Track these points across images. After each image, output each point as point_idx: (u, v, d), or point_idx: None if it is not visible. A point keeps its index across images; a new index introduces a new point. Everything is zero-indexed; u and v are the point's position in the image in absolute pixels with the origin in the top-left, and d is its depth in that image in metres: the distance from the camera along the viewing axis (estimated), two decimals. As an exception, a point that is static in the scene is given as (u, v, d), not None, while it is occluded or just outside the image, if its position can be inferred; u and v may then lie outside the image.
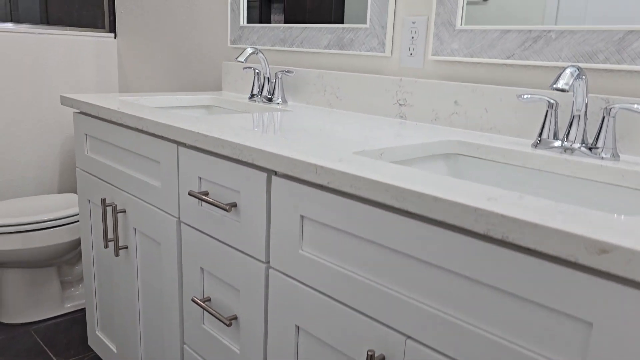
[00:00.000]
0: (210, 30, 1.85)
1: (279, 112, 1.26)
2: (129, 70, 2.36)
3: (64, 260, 1.93)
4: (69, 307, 1.99)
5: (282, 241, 0.81)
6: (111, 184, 1.28)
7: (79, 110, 1.37)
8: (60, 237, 1.84)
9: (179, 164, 1.02)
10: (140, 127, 1.09)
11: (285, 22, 1.55)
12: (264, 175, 0.82)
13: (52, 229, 1.81)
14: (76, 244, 1.90)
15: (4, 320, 1.89)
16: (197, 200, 0.98)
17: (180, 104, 1.54)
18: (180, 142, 0.99)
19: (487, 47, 1.08)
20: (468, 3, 1.11)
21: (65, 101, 1.40)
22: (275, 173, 0.82)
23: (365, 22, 1.33)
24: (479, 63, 1.12)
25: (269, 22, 1.60)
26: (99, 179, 1.33)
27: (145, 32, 2.20)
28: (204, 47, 1.89)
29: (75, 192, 2.42)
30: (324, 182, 0.70)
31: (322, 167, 0.70)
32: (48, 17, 2.99)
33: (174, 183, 1.04)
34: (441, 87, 1.17)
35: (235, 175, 0.88)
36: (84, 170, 1.41)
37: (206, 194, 0.96)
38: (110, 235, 1.32)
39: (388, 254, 0.66)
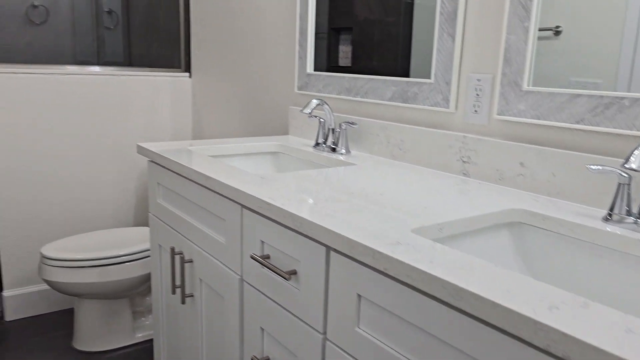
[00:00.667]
0: (278, 75, 1.91)
1: (342, 169, 1.28)
2: (202, 106, 2.47)
3: (137, 292, 2.03)
4: (139, 337, 2.09)
5: (339, 316, 0.82)
6: (180, 233, 1.35)
7: (152, 160, 1.46)
8: (134, 271, 1.94)
9: (242, 225, 1.06)
10: (207, 186, 1.14)
11: (351, 71, 1.57)
12: (323, 249, 0.84)
13: (127, 263, 1.92)
14: (148, 277, 2.00)
15: (80, 348, 2.01)
16: (259, 262, 1.01)
17: (248, 151, 1.59)
18: (245, 205, 1.03)
19: (555, 110, 1.05)
20: (539, 38, 1.08)
21: (141, 150, 1.49)
22: (334, 249, 0.83)
23: (429, 77, 1.32)
24: (546, 126, 1.09)
25: (337, 63, 1.63)
26: (170, 227, 1.40)
27: (217, 72, 2.30)
28: (272, 91, 1.95)
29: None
30: (381, 268, 0.70)
31: (379, 252, 0.70)
32: (131, 59, 3.20)
33: (238, 242, 1.08)
34: (506, 147, 1.14)
35: (295, 244, 0.90)
36: (156, 217, 1.49)
37: (268, 257, 0.99)
38: (178, 282, 1.38)
39: (443, 346, 0.66)
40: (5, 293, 2.21)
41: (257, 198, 0.97)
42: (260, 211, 0.96)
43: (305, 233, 0.85)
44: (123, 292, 1.97)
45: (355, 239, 0.75)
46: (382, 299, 0.73)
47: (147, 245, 1.99)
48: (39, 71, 2.16)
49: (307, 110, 1.43)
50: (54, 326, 2.20)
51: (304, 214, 0.86)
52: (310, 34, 1.71)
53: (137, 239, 2.06)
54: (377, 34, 1.47)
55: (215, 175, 1.13)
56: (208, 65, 2.37)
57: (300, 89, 1.77)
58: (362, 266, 0.76)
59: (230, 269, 1.13)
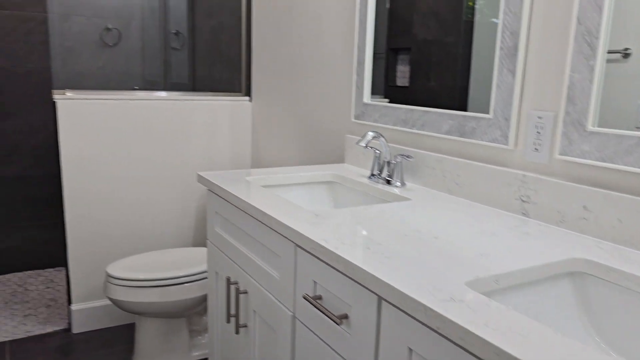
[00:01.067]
0: (335, 102, 1.93)
1: (396, 205, 1.27)
2: (261, 130, 2.53)
3: (194, 311, 2.09)
4: (196, 355, 2.15)
5: (390, 366, 0.81)
6: (236, 264, 1.38)
7: (211, 189, 1.50)
8: (193, 292, 2.00)
9: (296, 263, 1.07)
10: (263, 221, 1.17)
11: (409, 91, 1.57)
12: (375, 298, 0.84)
13: (186, 284, 1.98)
14: (205, 298, 2.05)
15: (140, 364, 2.09)
16: (311, 301, 1.02)
17: (304, 181, 1.61)
18: (298, 245, 1.04)
19: (622, 152, 1.00)
20: (607, 61, 1.03)
21: (200, 180, 1.54)
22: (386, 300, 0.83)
23: (488, 112, 1.30)
24: (612, 169, 1.04)
25: (394, 83, 1.63)
26: (226, 255, 1.44)
27: (276, 97, 2.35)
28: (328, 118, 1.97)
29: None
30: (433, 326, 0.69)
31: (431, 309, 0.70)
32: (195, 81, 3.32)
33: (291, 279, 1.10)
34: (568, 189, 1.10)
35: (348, 289, 0.91)
36: (214, 244, 1.53)
37: (320, 298, 1.00)
38: (233, 311, 1.41)
39: (498, 413, 0.64)
40: (73, 307, 2.34)
41: (311, 239, 0.98)
42: (313, 252, 0.97)
43: (357, 280, 0.85)
44: (182, 312, 2.03)
45: (406, 293, 0.74)
46: (434, 356, 0.72)
47: (205, 267, 2.05)
48: (109, 97, 2.28)
49: (363, 143, 1.44)
50: (117, 340, 2.31)
51: (357, 260, 0.87)
52: (368, 63, 1.72)
53: (196, 260, 2.13)
54: (436, 54, 1.46)
55: (271, 212, 1.15)
56: (267, 90, 2.43)
57: (356, 117, 1.78)
58: (413, 320, 0.76)
59: (283, 305, 1.14)
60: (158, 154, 2.42)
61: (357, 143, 1.45)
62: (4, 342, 2.28)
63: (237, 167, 2.63)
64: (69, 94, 2.22)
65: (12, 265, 3.08)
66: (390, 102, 1.65)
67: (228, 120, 2.57)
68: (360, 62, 1.74)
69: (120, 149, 2.33)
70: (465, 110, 1.37)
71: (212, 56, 3.04)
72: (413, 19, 1.54)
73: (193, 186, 2.53)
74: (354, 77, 1.77)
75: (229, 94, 2.61)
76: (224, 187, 1.39)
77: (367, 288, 0.86)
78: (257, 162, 2.57)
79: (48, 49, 3.00)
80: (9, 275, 3.06)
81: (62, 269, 3.19)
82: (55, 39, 3.09)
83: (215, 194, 1.49)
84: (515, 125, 1.23)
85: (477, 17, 1.32)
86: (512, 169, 1.25)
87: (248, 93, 2.62)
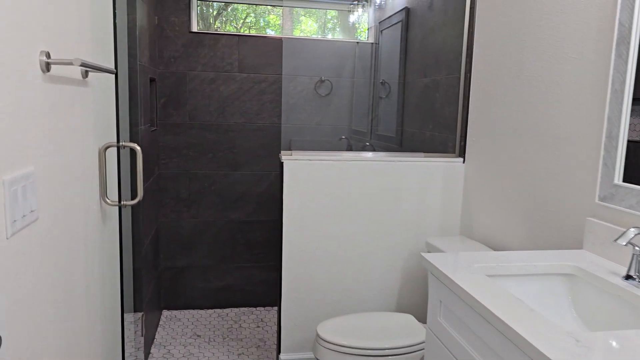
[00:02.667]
0: (572, 179, 1.71)
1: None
2: (473, 196, 2.38)
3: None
4: None
5: None
6: (461, 364, 1.26)
7: (434, 274, 1.41)
8: (398, 365, 1.92)
9: (549, 397, 0.91)
10: (501, 331, 1.03)
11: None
12: None
13: (392, 357, 1.91)
14: (410, 375, 1.95)
15: None
16: None
17: (537, 272, 1.43)
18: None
19: None
20: None
21: (426, 264, 1.47)
22: None
23: None
24: None
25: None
26: (449, 351, 1.33)
27: (495, 163, 2.19)
28: (562, 194, 1.75)
29: (411, 312, 2.54)
30: None
31: None
32: (402, 138, 3.32)
33: (540, 412, 0.94)
34: None
35: None
36: (434, 334, 1.43)
37: None
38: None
39: None
40: (282, 356, 2.44)
41: (576, 380, 0.82)
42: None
43: None
44: (385, 384, 1.96)
45: None
46: None
47: (411, 341, 1.95)
48: (327, 158, 2.38)
49: (622, 242, 1.21)
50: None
51: None
52: (622, 138, 1.47)
53: (403, 329, 2.05)
54: None
55: (515, 324, 1.01)
56: (484, 153, 2.28)
57: (602, 199, 1.54)
58: None
59: None
60: (369, 213, 2.44)
61: (616, 240, 1.23)
62: (221, 380, 2.48)
63: (445, 232, 2.51)
64: (295, 155, 2.37)
65: (231, 300, 3.38)
66: (653, 187, 1.38)
67: (439, 181, 2.48)
68: (612, 137, 1.50)
69: (335, 206, 2.40)
70: None
71: (422, 112, 3.01)
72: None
73: (400, 247, 2.48)
74: (602, 152, 1.54)
75: (441, 154, 2.53)
76: (452, 278, 1.29)
77: None
78: (467, 230, 2.42)
79: (277, 107, 3.29)
80: (227, 309, 3.36)
81: (271, 308, 3.40)
82: (283, 97, 3.38)
83: (440, 280, 1.39)
84: None
85: None
86: None
87: (461, 154, 2.50)
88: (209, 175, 3.25)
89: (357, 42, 3.70)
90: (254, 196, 3.32)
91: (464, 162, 2.49)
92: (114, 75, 1.71)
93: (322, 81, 3.55)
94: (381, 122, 3.74)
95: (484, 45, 2.29)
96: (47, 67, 1.16)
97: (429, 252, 2.27)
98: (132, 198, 1.84)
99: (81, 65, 1.19)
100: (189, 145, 3.20)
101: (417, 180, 2.47)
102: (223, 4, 3.35)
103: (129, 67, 2.17)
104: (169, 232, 3.24)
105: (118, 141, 1.72)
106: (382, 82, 3.68)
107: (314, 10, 3.66)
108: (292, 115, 3.46)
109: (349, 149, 3.67)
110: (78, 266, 1.42)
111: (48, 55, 1.17)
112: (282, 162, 2.35)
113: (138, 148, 1.74)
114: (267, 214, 3.35)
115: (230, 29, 3.46)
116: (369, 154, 2.48)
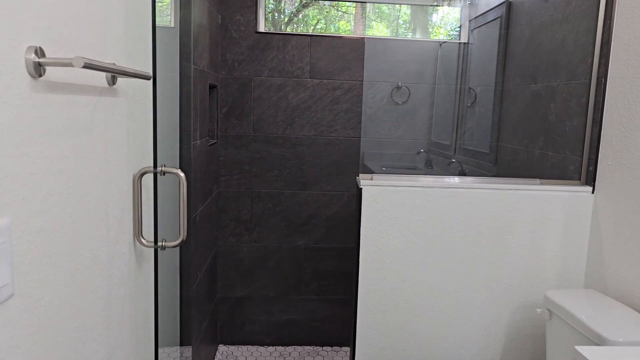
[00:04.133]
0: None
1: None
2: (606, 234, 1.83)
3: None
4: None
5: None
6: None
7: None
8: None
9: None
10: None
11: None
12: None
13: None
14: None
15: None
16: None
17: None
18: None
19: None
20: None
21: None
22: None
23: None
24: None
25: None
26: None
27: (638, 195, 1.64)
28: None
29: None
30: None
31: None
32: (497, 155, 2.79)
33: None
34: None
35: None
36: None
37: None
38: None
39: None
40: None
41: None
42: None
43: None
44: None
45: None
46: None
47: None
48: (413, 184, 1.92)
49: None
50: None
51: None
52: None
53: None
54: None
55: None
56: (624, 182, 1.73)
57: None
58: None
59: None
60: (467, 253, 1.94)
61: None
62: None
63: (566, 282, 1.97)
64: (376, 179, 1.92)
65: (295, 337, 2.98)
66: None
67: (559, 216, 1.95)
68: None
69: (423, 242, 1.93)
70: None
71: (528, 125, 2.47)
72: None
73: (506, 298, 1.97)
74: None
75: (561, 181, 1.99)
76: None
77: None
78: (598, 281, 1.86)
79: (353, 118, 2.87)
80: (290, 347, 2.96)
81: (339, 349, 2.97)
82: (364, 107, 2.95)
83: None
84: None
85: None
86: None
87: (589, 181, 1.95)
88: (273, 195, 2.87)
89: (440, 44, 3.21)
90: (324, 219, 2.90)
91: (593, 191, 1.94)
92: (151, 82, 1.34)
93: (398, 87, 3.10)
94: (469, 135, 3.23)
95: (628, 43, 1.75)
96: (38, 69, 0.79)
97: (547, 309, 1.75)
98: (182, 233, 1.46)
99: (86, 67, 0.81)
100: (252, 160, 2.83)
101: (530, 213, 1.94)
102: (294, 9, 2.98)
103: (180, 72, 1.82)
104: (228, 257, 2.89)
105: (155, 166, 1.34)
106: (469, 89, 3.18)
107: (385, 8, 3.20)
108: (368, 127, 3.02)
109: (428, 164, 3.21)
110: (95, 338, 1.05)
111: (40, 52, 0.79)
112: (361, 188, 1.91)
113: (182, 175, 1.36)
114: (338, 240, 2.93)
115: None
116: (469, 180, 1.99)
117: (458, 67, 3.22)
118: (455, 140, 3.30)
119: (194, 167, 2.09)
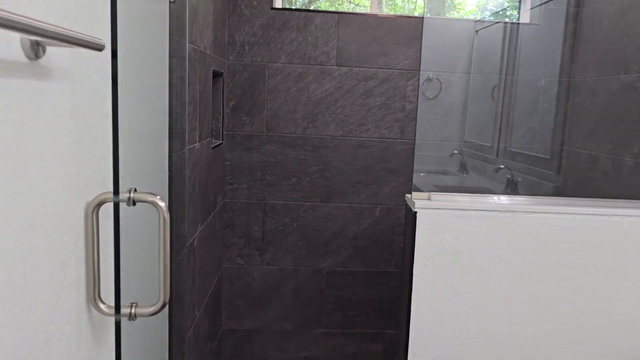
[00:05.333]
0: None
1: None
2: None
3: None
4: None
5: None
6: None
7: None
8: None
9: None
10: None
11: None
12: None
13: None
14: None
15: None
16: None
17: None
18: None
19: None
20: None
21: None
22: None
23: None
24: None
25: None
26: None
27: None
28: None
29: None
30: None
31: None
32: (561, 169, 2.30)
33: None
34: None
35: None
36: None
37: None
38: None
39: None
40: None
41: None
42: None
43: None
44: None
45: None
46: None
47: None
48: (483, 207, 1.42)
49: None
50: None
51: None
52: None
53: None
54: None
55: None
56: None
57: None
58: None
59: None
60: (556, 300, 1.46)
61: None
62: None
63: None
64: (436, 199, 1.43)
65: (313, 378, 2.55)
66: None
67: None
68: None
69: (499, 285, 1.44)
70: None
71: (612, 126, 1.97)
72: None
73: (614, 352, 1.48)
74: None
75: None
76: None
77: None
78: None
79: (388, 115, 2.39)
80: (308, 390, 2.52)
81: (368, 394, 2.52)
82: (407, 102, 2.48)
83: None
84: None
85: None
86: None
87: None
88: (290, 208, 2.49)
89: (476, 31, 2.72)
90: (351, 238, 2.54)
91: None
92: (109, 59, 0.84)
93: (429, 80, 2.69)
94: (518, 136, 2.76)
95: None
96: None
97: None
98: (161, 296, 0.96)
99: None
100: (265, 165, 2.45)
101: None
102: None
103: (171, 51, 1.33)
104: (235, 283, 2.56)
105: (116, 191, 0.83)
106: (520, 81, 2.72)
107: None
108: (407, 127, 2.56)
109: (463, 168, 2.79)
110: None
111: None
112: (415, 212, 1.41)
113: (161, 204, 0.88)
114: (368, 263, 2.56)
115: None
116: (561, 202, 1.48)
117: (502, 54, 2.74)
118: (498, 141, 2.84)
119: (190, 178, 1.61)
